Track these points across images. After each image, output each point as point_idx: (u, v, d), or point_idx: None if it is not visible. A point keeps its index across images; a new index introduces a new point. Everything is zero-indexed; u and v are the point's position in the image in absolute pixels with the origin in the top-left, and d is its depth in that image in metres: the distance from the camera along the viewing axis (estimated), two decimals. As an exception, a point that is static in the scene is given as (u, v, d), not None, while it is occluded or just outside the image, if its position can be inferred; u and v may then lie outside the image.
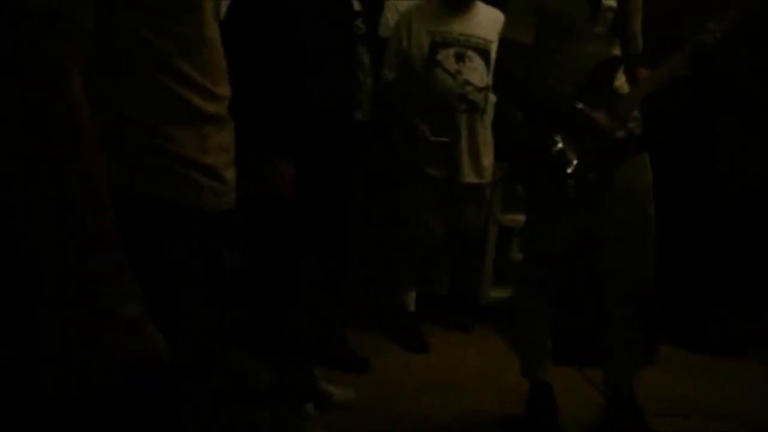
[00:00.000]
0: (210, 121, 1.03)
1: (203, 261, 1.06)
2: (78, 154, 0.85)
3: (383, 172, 3.14)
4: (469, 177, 2.98)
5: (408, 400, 2.58)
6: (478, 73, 2.90)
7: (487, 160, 3.01)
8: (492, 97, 2.95)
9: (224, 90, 1.08)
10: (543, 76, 2.18)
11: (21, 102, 0.84)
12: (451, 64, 2.89)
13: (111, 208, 0.88)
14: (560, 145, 2.14)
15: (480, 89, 2.90)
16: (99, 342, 0.89)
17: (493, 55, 2.92)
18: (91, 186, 0.86)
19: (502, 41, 2.26)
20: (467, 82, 2.88)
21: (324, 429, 2.26)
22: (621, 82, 2.21)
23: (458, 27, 2.92)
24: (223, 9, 1.48)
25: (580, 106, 2.11)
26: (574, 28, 2.14)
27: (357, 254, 2.85)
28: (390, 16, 3.13)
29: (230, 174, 1.10)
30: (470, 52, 2.91)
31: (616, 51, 2.18)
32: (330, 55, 2.17)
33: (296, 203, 2.16)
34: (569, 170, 2.13)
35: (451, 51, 2.90)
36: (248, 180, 2.17)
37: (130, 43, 0.94)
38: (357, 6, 2.22)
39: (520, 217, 3.35)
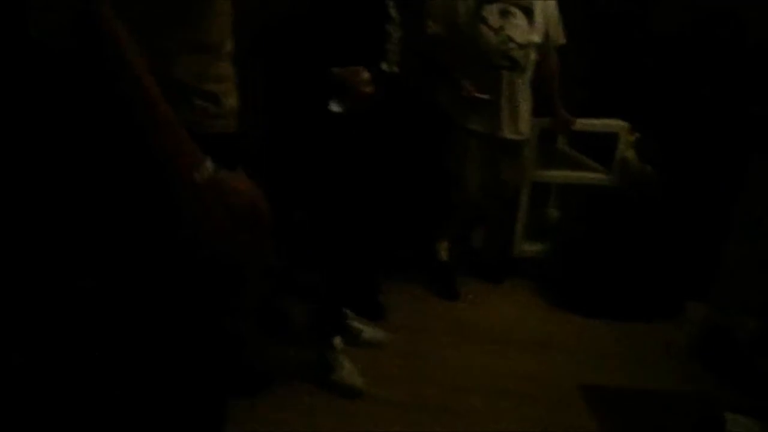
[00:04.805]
0: (210, 52, 1.14)
1: None
2: (120, 50, 0.97)
3: (424, 126, 3.20)
4: (509, 133, 3.03)
5: (432, 343, 2.73)
6: (520, 30, 2.91)
7: (526, 117, 3.05)
8: (533, 55, 2.97)
9: (223, 32, 1.17)
10: None
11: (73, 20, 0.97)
12: (495, 20, 2.91)
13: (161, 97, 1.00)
14: None
15: (521, 46, 2.92)
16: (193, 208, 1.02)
17: (537, 12, 2.95)
18: (145, 79, 0.99)
19: None
20: (509, 39, 2.90)
21: (349, 361, 2.42)
22: None
23: (505, -17, 2.92)
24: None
25: None
26: None
27: (396, 205, 2.96)
28: None
29: (230, 101, 1.19)
30: (514, 9, 2.92)
31: None
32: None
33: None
34: None
35: (496, 7, 2.92)
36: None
37: None
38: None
39: (556, 174, 3.42)
